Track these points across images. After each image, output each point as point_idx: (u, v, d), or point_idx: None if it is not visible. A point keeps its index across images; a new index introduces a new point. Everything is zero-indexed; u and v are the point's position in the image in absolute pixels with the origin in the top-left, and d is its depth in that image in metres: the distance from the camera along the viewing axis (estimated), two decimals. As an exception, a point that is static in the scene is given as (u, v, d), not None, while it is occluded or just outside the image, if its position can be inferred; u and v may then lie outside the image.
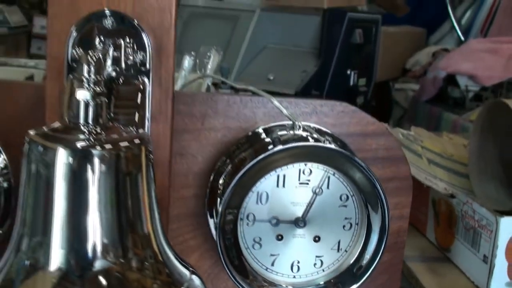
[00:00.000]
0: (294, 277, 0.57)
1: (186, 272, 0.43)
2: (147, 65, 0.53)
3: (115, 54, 0.52)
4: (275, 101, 0.58)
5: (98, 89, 0.41)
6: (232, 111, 0.59)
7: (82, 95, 0.40)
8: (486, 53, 1.65)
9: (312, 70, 1.63)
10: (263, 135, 0.57)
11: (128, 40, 0.52)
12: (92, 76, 0.41)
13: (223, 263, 0.53)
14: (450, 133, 1.04)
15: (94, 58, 0.41)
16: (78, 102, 0.41)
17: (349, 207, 0.56)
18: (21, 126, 0.56)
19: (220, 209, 0.52)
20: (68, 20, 0.52)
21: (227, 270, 0.53)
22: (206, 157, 0.59)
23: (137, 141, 0.41)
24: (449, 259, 0.80)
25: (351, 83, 1.81)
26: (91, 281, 0.40)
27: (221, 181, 0.57)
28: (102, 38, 0.52)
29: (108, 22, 0.52)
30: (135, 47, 0.53)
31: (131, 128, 0.43)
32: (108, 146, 0.39)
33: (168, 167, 0.56)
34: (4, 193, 0.59)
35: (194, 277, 0.43)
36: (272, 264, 0.56)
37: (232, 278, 0.53)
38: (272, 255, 0.56)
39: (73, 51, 0.52)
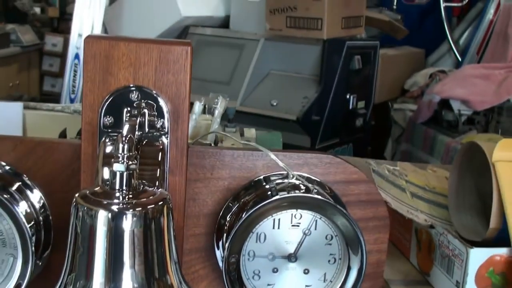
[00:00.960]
0: (287, 304, 0.68)
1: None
2: (166, 129, 0.64)
3: (140, 120, 0.63)
4: (272, 155, 0.69)
5: (130, 162, 0.52)
6: (237, 163, 0.70)
7: (117, 167, 0.52)
8: (479, 79, 1.76)
9: (313, 96, 1.74)
10: (263, 184, 0.68)
11: (150, 108, 0.64)
12: (126, 152, 0.52)
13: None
14: (435, 165, 1.14)
15: (126, 138, 0.52)
16: (114, 173, 0.52)
17: (333, 245, 0.67)
18: (60, 177, 0.68)
19: (226, 248, 0.63)
20: (100, 93, 0.64)
21: (232, 299, 0.64)
22: (214, 201, 0.70)
23: (160, 202, 0.52)
24: (429, 283, 0.91)
25: (350, 106, 1.93)
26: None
27: (228, 218, 0.69)
28: (128, 108, 0.63)
29: (134, 95, 0.63)
30: (156, 115, 0.64)
31: (155, 190, 0.54)
32: (138, 208, 0.51)
33: (183, 210, 0.68)
34: (44, 229, 0.70)
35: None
36: (269, 293, 0.67)
37: (236, 305, 0.64)
38: (269, 285, 0.67)
39: (105, 118, 0.63)
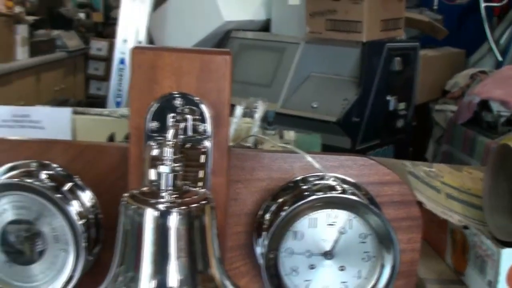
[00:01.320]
0: (324, 299, 0.71)
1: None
2: (208, 133, 0.68)
3: (184, 125, 0.67)
4: (308, 157, 0.72)
5: (175, 164, 0.56)
6: (275, 165, 0.73)
7: (163, 169, 0.56)
8: (518, 80, 1.75)
9: (353, 98, 1.77)
10: (300, 184, 0.72)
11: (193, 114, 0.68)
12: (171, 155, 0.56)
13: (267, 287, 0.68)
14: (471, 167, 1.16)
15: (171, 142, 0.56)
16: (160, 174, 0.56)
17: (367, 243, 0.70)
18: (109, 178, 0.72)
19: (266, 245, 0.67)
20: (146, 100, 0.68)
21: (271, 294, 0.68)
22: (254, 201, 0.74)
23: (203, 202, 0.56)
24: (463, 282, 0.93)
25: (391, 108, 1.94)
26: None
27: (267, 217, 0.72)
28: (173, 114, 0.67)
29: (178, 102, 0.68)
30: (199, 119, 0.68)
31: (198, 190, 0.58)
32: (182, 207, 0.55)
33: (225, 209, 0.72)
34: (94, 227, 0.75)
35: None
36: (307, 288, 0.71)
37: (275, 300, 0.68)
38: (306, 280, 0.71)
39: (151, 124, 0.68)
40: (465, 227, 0.94)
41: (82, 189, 0.73)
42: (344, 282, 0.71)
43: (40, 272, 0.70)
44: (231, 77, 0.69)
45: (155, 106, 0.68)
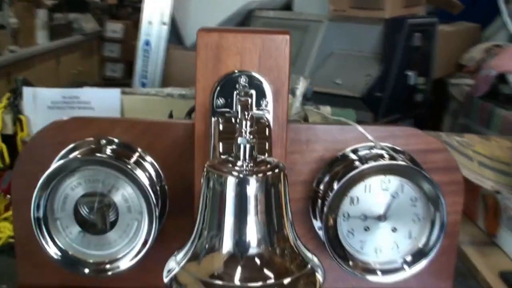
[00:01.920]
0: (377, 257, 0.77)
1: (309, 255, 0.64)
2: (269, 108, 0.74)
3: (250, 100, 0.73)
4: (361, 128, 0.78)
5: (251, 136, 0.62)
6: (329, 137, 0.79)
7: (242, 141, 0.62)
8: (536, 53, 1.80)
9: (375, 73, 1.82)
10: (354, 154, 0.78)
11: (256, 90, 0.74)
12: (248, 128, 0.62)
13: (328, 248, 0.74)
14: (497, 137, 1.21)
15: (248, 116, 0.62)
16: (239, 145, 0.62)
17: (417, 206, 0.76)
18: (174, 152, 0.78)
19: (325, 210, 0.73)
20: (212, 78, 0.74)
21: (331, 253, 0.74)
22: (309, 170, 0.80)
23: (276, 170, 0.62)
24: (495, 243, 0.99)
25: (411, 82, 1.99)
26: (249, 260, 0.61)
27: (322, 185, 0.78)
28: (237, 91, 0.73)
29: (242, 79, 0.73)
30: (261, 95, 0.74)
31: (271, 159, 0.64)
32: (259, 174, 0.61)
33: (282, 178, 0.78)
34: (160, 197, 0.80)
35: (314, 258, 0.64)
36: (361, 248, 0.77)
37: (334, 259, 0.74)
38: (361, 241, 0.77)
39: (217, 100, 0.74)
40: (497, 192, 1.00)
41: (148, 162, 0.79)
42: (395, 242, 0.77)
43: (113, 240, 0.76)
44: (290, 56, 0.74)
45: (221, 84, 0.74)
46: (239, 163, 0.62)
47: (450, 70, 2.38)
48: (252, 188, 0.61)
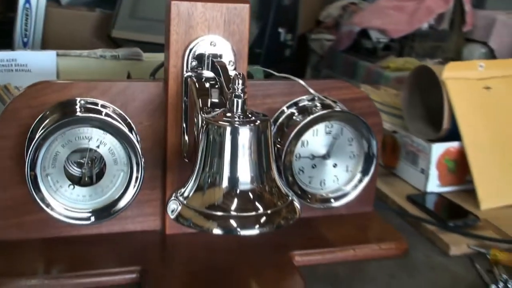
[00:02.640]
0: (322, 189, 0.93)
1: (288, 191, 0.77)
2: (234, 65, 0.86)
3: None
4: (303, 83, 0.92)
5: (244, 92, 0.74)
6: (277, 90, 0.92)
7: (237, 96, 0.73)
8: (393, 10, 2.05)
9: (254, 31, 1.97)
10: (300, 104, 0.92)
11: (223, 52, 0.85)
12: (241, 85, 0.73)
13: (288, 186, 0.88)
14: (386, 86, 1.42)
15: (240, 75, 0.74)
16: (233, 100, 0.73)
17: (353, 145, 0.93)
18: (146, 109, 0.87)
19: (283, 154, 0.87)
20: (183, 42, 0.84)
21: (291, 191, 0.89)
22: (261, 120, 0.93)
23: (265, 120, 0.75)
24: (395, 174, 1.20)
25: (282, 39, 2.17)
26: (242, 195, 0.74)
27: (277, 136, 0.92)
28: (210, 53, 0.84)
29: (210, 42, 0.84)
30: (227, 57, 0.85)
31: (257, 112, 0.76)
32: (251, 124, 0.73)
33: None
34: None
35: (291, 193, 0.78)
36: (310, 183, 0.92)
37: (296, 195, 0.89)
38: (309, 177, 0.92)
39: (191, 62, 0.84)
40: (394, 132, 1.20)
41: (123, 118, 0.87)
42: (336, 175, 0.94)
43: (100, 191, 0.84)
44: (250, 21, 0.86)
45: (193, 47, 0.84)
46: (234, 115, 0.74)
47: (310, 26, 2.59)
48: (247, 135, 0.73)
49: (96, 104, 0.85)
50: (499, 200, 1.07)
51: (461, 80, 1.13)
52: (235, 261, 0.86)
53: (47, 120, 0.82)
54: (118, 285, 0.81)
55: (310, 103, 0.92)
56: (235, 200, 0.73)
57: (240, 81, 0.74)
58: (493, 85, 1.15)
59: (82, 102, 0.85)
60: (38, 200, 0.81)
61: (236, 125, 0.73)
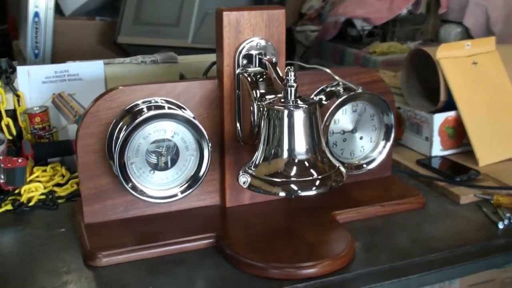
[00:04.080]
0: (352, 158, 1.12)
1: (337, 164, 0.95)
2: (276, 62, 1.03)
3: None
4: (329, 71, 1.10)
5: (295, 82, 0.91)
6: (309, 79, 1.10)
7: (291, 85, 0.91)
8: (374, 0, 2.24)
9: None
10: (331, 89, 1.10)
11: (267, 51, 1.02)
12: (293, 76, 0.91)
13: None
14: (383, 69, 1.61)
15: (292, 69, 0.91)
16: (287, 90, 0.91)
17: (374, 120, 1.11)
18: (205, 103, 1.04)
19: (320, 130, 1.05)
20: (234, 45, 1.01)
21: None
22: (296, 105, 1.11)
23: (313, 102, 0.92)
24: (402, 144, 1.39)
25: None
26: (300, 164, 0.92)
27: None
28: (258, 52, 1.01)
29: (257, 44, 1.01)
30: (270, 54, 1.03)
31: (306, 97, 0.94)
32: (302, 107, 0.91)
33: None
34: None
35: (338, 164, 0.95)
36: (342, 154, 1.11)
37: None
38: (341, 149, 1.10)
39: (242, 60, 1.01)
40: (398, 108, 1.39)
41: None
42: (362, 146, 1.12)
43: (175, 173, 1.01)
44: (284, 24, 1.04)
45: (243, 48, 1.01)
46: (289, 100, 0.92)
47: (294, 19, 2.77)
48: (301, 116, 0.91)
49: (166, 102, 1.02)
50: (494, 156, 1.27)
51: (452, 59, 1.32)
52: (288, 223, 1.04)
53: (126, 118, 0.99)
54: (198, 249, 0.98)
55: (335, 88, 1.10)
56: (294, 168, 0.92)
57: (292, 73, 0.92)
58: (479, 60, 1.35)
59: (153, 101, 1.01)
60: (126, 185, 0.97)
61: (292, 109, 0.91)
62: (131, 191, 0.98)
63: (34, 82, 1.24)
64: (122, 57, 1.44)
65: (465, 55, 1.34)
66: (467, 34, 2.15)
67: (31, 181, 1.14)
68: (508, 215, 1.05)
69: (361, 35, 2.25)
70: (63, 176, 1.18)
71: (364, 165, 1.11)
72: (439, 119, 1.29)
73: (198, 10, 2.17)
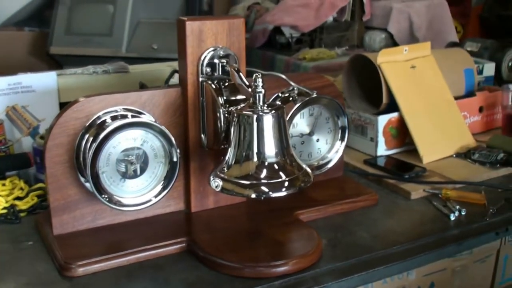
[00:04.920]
0: (309, 160, 1.17)
1: (304, 166, 1.00)
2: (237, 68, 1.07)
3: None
4: (285, 77, 1.15)
5: (263, 89, 0.95)
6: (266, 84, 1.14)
7: (259, 92, 0.95)
8: (300, 8, 2.31)
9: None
10: (286, 95, 1.14)
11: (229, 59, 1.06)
12: (262, 83, 0.95)
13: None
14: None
15: (259, 77, 0.95)
16: (255, 95, 0.95)
17: (329, 123, 1.17)
18: (169, 110, 1.06)
19: (282, 133, 1.10)
20: (197, 53, 1.04)
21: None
22: (255, 110, 1.15)
23: (281, 108, 0.97)
24: (347, 145, 1.45)
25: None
26: (270, 167, 0.96)
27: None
28: (222, 60, 1.04)
29: (220, 52, 1.05)
30: (232, 61, 1.06)
31: (273, 102, 0.98)
32: (271, 111, 0.95)
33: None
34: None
35: (305, 166, 1.00)
36: (300, 156, 1.15)
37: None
38: (299, 151, 1.15)
39: (206, 68, 1.04)
40: (343, 111, 1.46)
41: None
42: (319, 148, 1.18)
43: (145, 181, 1.03)
44: (244, 32, 1.08)
45: (206, 57, 1.04)
46: (257, 106, 0.96)
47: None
48: (270, 121, 0.95)
49: (132, 111, 1.03)
50: (436, 154, 1.36)
51: (392, 63, 1.41)
52: (255, 225, 1.08)
53: (94, 128, 0.99)
54: (172, 254, 1.00)
55: (291, 93, 1.15)
56: (264, 171, 0.96)
57: (260, 80, 0.96)
58: (417, 64, 1.44)
59: (120, 110, 1.02)
60: (98, 195, 0.98)
61: (261, 114, 0.95)
62: (105, 201, 0.98)
63: (-14, 95, 1.22)
64: (54, 68, 1.43)
65: (404, 59, 1.43)
66: (391, 40, 2.27)
67: (-10, 195, 1.12)
68: (458, 207, 1.13)
69: (290, 42, 2.31)
70: (21, 189, 1.16)
71: (324, 165, 1.16)
72: (383, 120, 1.37)
73: (131, 19, 2.18)
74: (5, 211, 1.10)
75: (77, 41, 2.12)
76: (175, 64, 1.47)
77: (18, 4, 2.19)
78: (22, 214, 1.12)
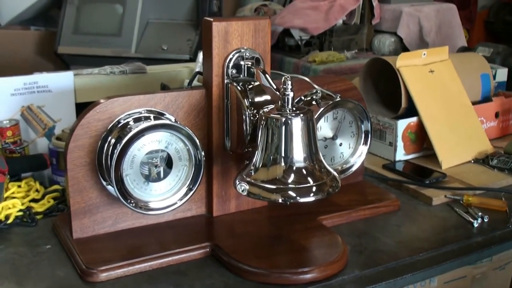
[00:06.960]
0: (332, 164, 1.15)
1: (332, 171, 0.98)
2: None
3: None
4: (308, 80, 1.13)
5: (293, 92, 0.94)
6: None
7: (289, 95, 0.93)
8: (310, 10, 2.30)
9: (194, 38, 2.14)
10: (308, 97, 1.13)
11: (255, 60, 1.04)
12: (291, 86, 0.93)
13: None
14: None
15: (288, 79, 0.93)
16: (284, 98, 0.93)
17: (353, 126, 1.15)
18: (193, 112, 1.04)
19: (306, 137, 1.08)
20: (223, 54, 1.02)
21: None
22: (278, 113, 1.13)
23: (309, 111, 0.95)
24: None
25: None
26: (298, 171, 0.94)
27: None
28: (247, 62, 1.03)
29: (244, 54, 1.03)
30: (257, 63, 1.04)
31: (303, 106, 0.96)
32: (300, 115, 0.93)
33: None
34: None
35: (333, 171, 0.98)
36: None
37: (316, 169, 1.10)
38: (323, 155, 1.13)
39: (231, 70, 1.02)
40: (360, 115, 1.44)
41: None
42: (341, 152, 1.16)
43: (169, 184, 1.01)
44: (270, 34, 1.06)
45: (231, 58, 1.02)
46: (286, 109, 0.94)
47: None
48: (298, 124, 0.93)
49: (154, 112, 1.01)
50: (455, 159, 1.34)
51: (411, 67, 1.39)
52: (278, 230, 1.06)
53: (117, 130, 0.97)
54: (195, 259, 0.98)
55: (315, 96, 1.13)
56: (292, 175, 0.94)
57: (289, 82, 0.94)
58: (435, 68, 1.42)
59: (143, 112, 1.00)
60: (123, 200, 0.96)
61: (290, 117, 0.93)
62: (130, 206, 0.96)
63: (2, 95, 1.19)
64: (61, 68, 1.41)
65: (422, 63, 1.42)
66: (400, 44, 2.25)
67: (6, 197, 1.10)
68: (480, 213, 1.12)
69: (299, 44, 2.30)
70: (37, 191, 1.14)
71: (347, 170, 1.15)
72: (402, 124, 1.36)
73: (141, 20, 2.16)
74: (21, 213, 1.08)
75: (85, 41, 2.10)
76: (191, 65, 1.46)
77: (24, 4, 2.16)
78: (38, 217, 1.09)
